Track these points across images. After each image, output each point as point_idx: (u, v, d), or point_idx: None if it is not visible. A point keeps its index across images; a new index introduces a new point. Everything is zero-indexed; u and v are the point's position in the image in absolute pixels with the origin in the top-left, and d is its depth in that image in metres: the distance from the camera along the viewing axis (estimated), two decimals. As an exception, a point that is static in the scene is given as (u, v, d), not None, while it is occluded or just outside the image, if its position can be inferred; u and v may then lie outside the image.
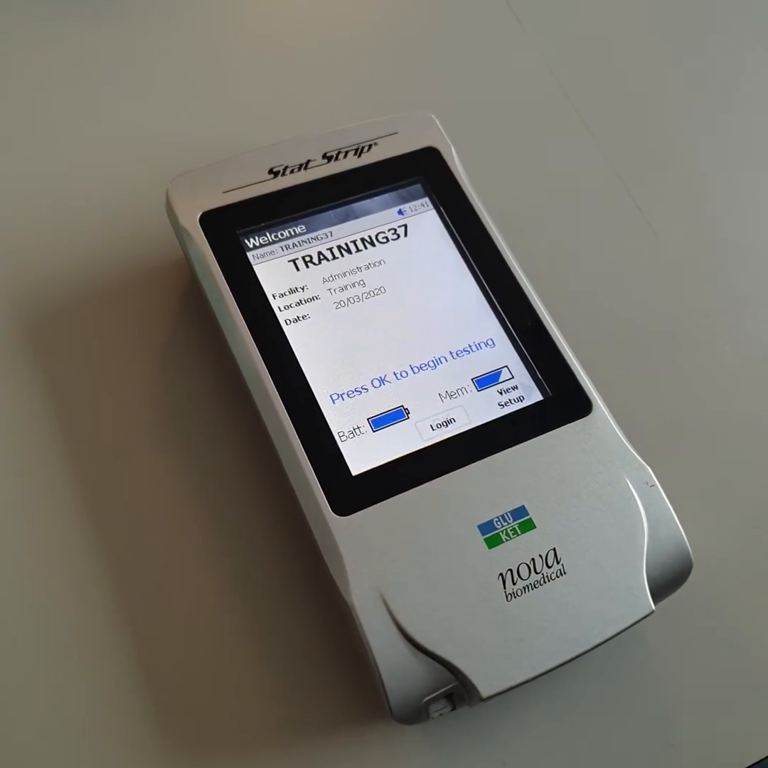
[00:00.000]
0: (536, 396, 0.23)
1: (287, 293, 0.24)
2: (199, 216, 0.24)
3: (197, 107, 0.31)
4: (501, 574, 0.20)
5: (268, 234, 0.24)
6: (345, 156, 0.25)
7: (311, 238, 0.25)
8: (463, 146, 0.26)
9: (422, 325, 0.24)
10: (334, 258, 0.24)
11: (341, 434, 0.22)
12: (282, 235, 0.24)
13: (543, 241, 0.30)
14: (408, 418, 0.22)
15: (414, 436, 0.22)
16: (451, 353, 0.23)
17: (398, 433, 0.22)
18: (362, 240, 0.25)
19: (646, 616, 0.20)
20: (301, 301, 0.24)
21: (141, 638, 0.22)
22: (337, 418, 0.22)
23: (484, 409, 0.22)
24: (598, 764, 0.22)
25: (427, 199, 0.26)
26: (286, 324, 0.23)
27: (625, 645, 0.23)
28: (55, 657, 0.22)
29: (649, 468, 0.22)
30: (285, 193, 0.25)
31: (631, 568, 0.21)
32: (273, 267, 0.24)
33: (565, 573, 0.20)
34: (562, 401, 0.23)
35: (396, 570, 0.20)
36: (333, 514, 0.20)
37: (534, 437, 0.22)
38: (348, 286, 0.24)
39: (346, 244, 0.25)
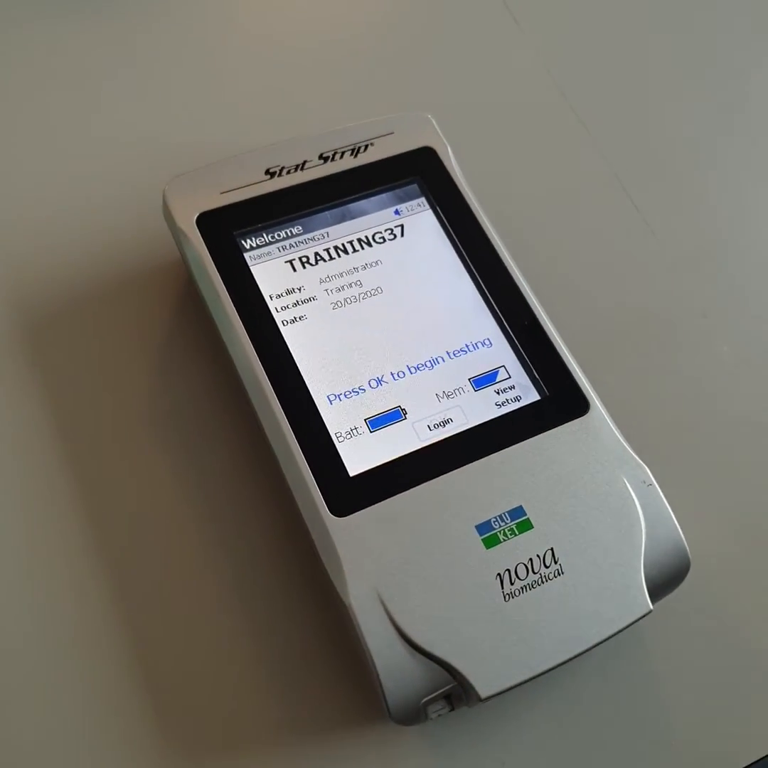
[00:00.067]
0: (533, 396, 0.23)
1: (284, 294, 0.24)
2: (195, 217, 0.24)
3: (196, 107, 0.31)
4: (499, 575, 0.20)
5: (264, 235, 0.24)
6: (341, 156, 0.25)
7: (308, 239, 0.25)
8: (459, 146, 0.26)
9: (419, 326, 0.24)
10: (331, 258, 0.24)
11: (338, 435, 0.22)
12: (279, 235, 0.24)
13: (540, 241, 0.30)
14: (405, 418, 0.22)
15: (411, 436, 0.22)
16: (448, 353, 0.23)
17: (396, 434, 0.22)
18: (359, 240, 0.25)
19: (644, 616, 0.20)
20: (298, 301, 0.24)
21: (140, 638, 0.22)
22: (335, 418, 0.22)
23: (481, 409, 0.22)
24: (598, 764, 0.22)
25: (423, 199, 0.26)
26: (283, 325, 0.23)
27: (623, 644, 0.23)
28: (54, 656, 0.22)
29: (646, 467, 0.22)
30: (282, 193, 0.25)
31: (628, 567, 0.21)
32: (270, 268, 0.24)
33: (562, 573, 0.20)
34: (559, 401, 0.23)
35: (394, 571, 0.20)
36: (330, 514, 0.20)
37: (531, 437, 0.22)
38: (345, 287, 0.24)
39: (343, 245, 0.25)
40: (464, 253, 0.25)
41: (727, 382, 0.28)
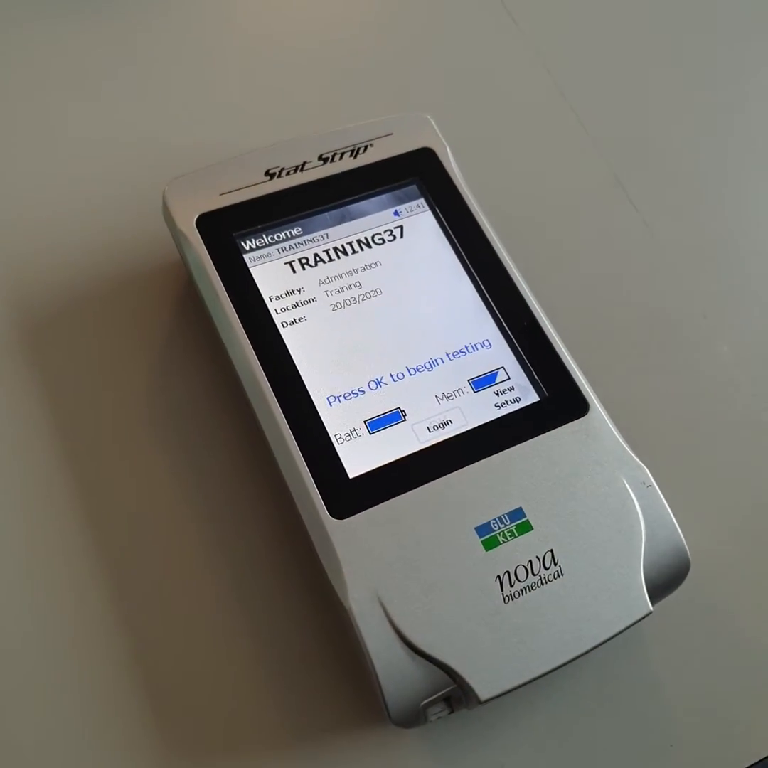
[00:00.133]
0: (533, 397, 0.23)
1: (284, 295, 0.24)
2: (195, 219, 0.24)
3: (195, 108, 0.31)
4: (498, 577, 0.20)
5: (264, 236, 0.24)
6: (341, 157, 0.25)
7: (307, 240, 0.24)
8: (458, 146, 0.26)
9: (418, 327, 0.24)
10: (331, 260, 0.24)
11: (338, 437, 0.22)
12: (278, 237, 0.24)
13: (539, 241, 0.30)
14: (405, 420, 0.22)
15: (411, 438, 0.22)
16: (447, 355, 0.23)
17: (395, 435, 0.22)
18: (358, 242, 0.25)
19: (643, 617, 0.20)
20: (297, 303, 0.24)
21: (139, 638, 0.22)
22: (334, 420, 0.22)
23: (480, 410, 0.22)
24: (598, 766, 0.22)
25: (422, 200, 0.25)
26: (283, 326, 0.23)
27: (623, 646, 0.23)
28: (54, 657, 0.22)
29: (646, 468, 0.22)
30: (281, 195, 0.25)
31: (628, 568, 0.20)
32: (269, 269, 0.24)
33: (562, 575, 0.20)
34: (558, 402, 0.23)
35: (393, 573, 0.20)
36: (330, 517, 0.20)
37: (531, 438, 0.22)
38: (344, 288, 0.24)
39: (343, 246, 0.25)
40: (464, 254, 0.25)
41: (727, 382, 0.28)
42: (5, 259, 0.28)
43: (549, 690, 0.23)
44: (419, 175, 0.26)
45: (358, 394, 0.22)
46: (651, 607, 0.20)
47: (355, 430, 0.22)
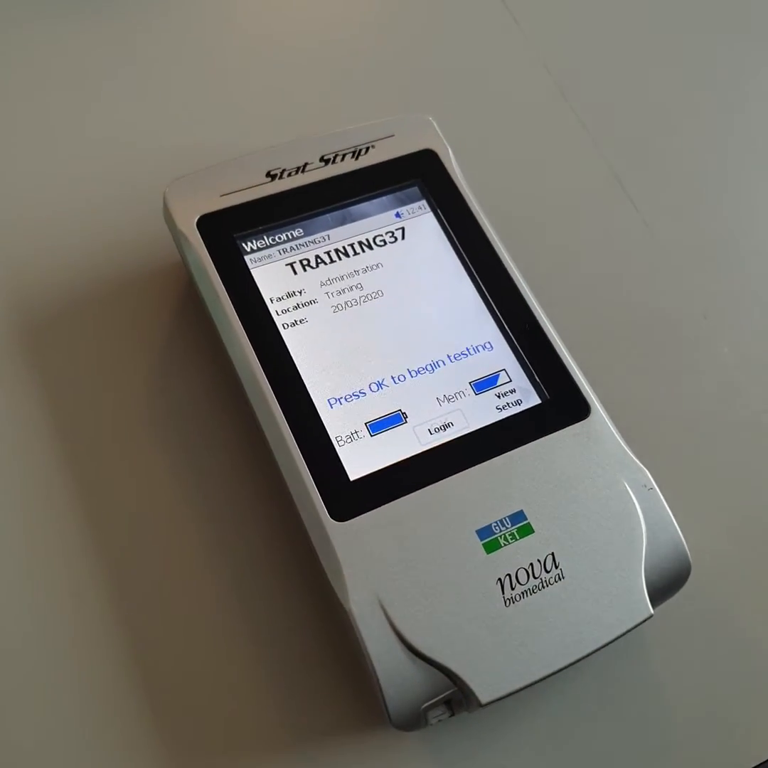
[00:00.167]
0: (534, 399, 0.23)
1: (285, 297, 0.24)
2: (196, 220, 0.24)
3: (196, 109, 0.31)
4: (499, 579, 0.20)
5: (265, 237, 0.24)
6: (342, 159, 0.25)
7: (309, 242, 0.24)
8: (459, 147, 0.26)
9: (420, 329, 0.24)
10: (332, 261, 0.24)
11: (339, 439, 0.22)
12: (279, 238, 0.24)
13: (540, 242, 0.30)
14: (406, 422, 0.22)
15: (412, 440, 0.22)
16: (448, 357, 0.23)
17: (396, 438, 0.22)
18: (360, 243, 0.25)
19: (644, 620, 0.20)
20: (298, 305, 0.24)
21: (138, 638, 0.22)
22: (335, 422, 0.22)
23: (482, 412, 0.22)
24: (598, 768, 0.22)
25: (424, 202, 0.25)
26: (284, 328, 0.23)
27: (624, 649, 0.23)
28: (53, 657, 0.22)
29: (647, 471, 0.22)
30: (282, 196, 0.25)
31: (629, 571, 0.20)
32: (270, 271, 0.24)
33: (563, 578, 0.20)
34: (560, 404, 0.23)
35: (394, 575, 0.20)
36: (331, 519, 0.20)
37: (532, 441, 0.22)
38: (345, 290, 0.24)
39: (344, 248, 0.24)
40: (465, 255, 0.25)
41: (728, 383, 0.28)
42: (5, 260, 0.28)
43: (550, 693, 0.22)
44: (421, 176, 0.26)
45: (359, 396, 0.22)
46: (652, 611, 0.20)
47: (356, 432, 0.22)
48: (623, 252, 0.30)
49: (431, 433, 0.22)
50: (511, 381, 0.23)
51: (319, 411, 0.22)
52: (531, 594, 0.20)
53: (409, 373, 0.23)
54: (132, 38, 0.32)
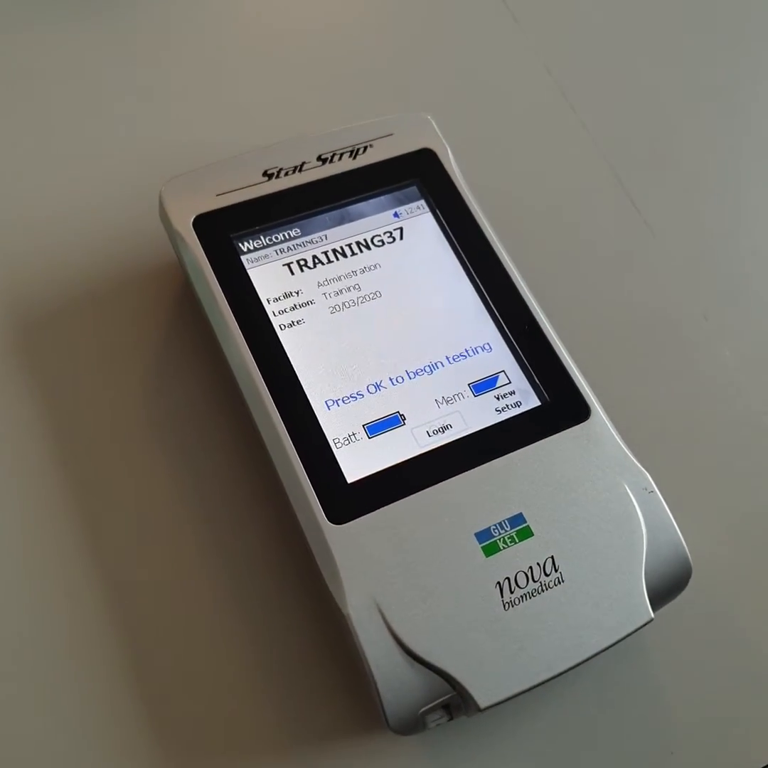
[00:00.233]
0: (534, 401, 0.23)
1: (282, 298, 0.23)
2: (192, 219, 0.24)
3: (192, 107, 0.31)
4: (498, 583, 0.20)
5: (262, 237, 0.24)
6: (340, 158, 0.25)
7: (306, 242, 0.24)
8: (458, 146, 0.26)
9: (418, 330, 0.23)
10: (329, 262, 0.24)
11: (336, 441, 0.22)
12: (276, 238, 0.24)
13: (540, 243, 0.29)
14: (404, 424, 0.22)
15: (410, 442, 0.22)
16: (447, 358, 0.23)
17: (394, 440, 0.22)
18: (357, 243, 0.24)
19: (645, 624, 0.20)
20: (295, 305, 0.23)
21: (135, 640, 0.22)
22: (332, 424, 0.22)
23: (481, 414, 0.22)
24: (597, 773, 0.22)
25: (423, 202, 0.25)
26: (281, 329, 0.23)
27: (624, 653, 0.23)
28: (50, 658, 0.22)
29: (647, 473, 0.22)
30: (279, 195, 0.24)
31: (630, 575, 0.20)
32: (267, 271, 0.24)
33: (563, 581, 0.20)
34: (559, 406, 0.22)
35: (392, 579, 0.20)
36: (328, 522, 0.20)
37: (531, 443, 0.22)
38: (343, 291, 0.24)
39: (342, 248, 0.24)
40: (464, 256, 0.24)
41: (729, 385, 0.28)
42: (1, 258, 0.27)
43: (549, 697, 0.22)
44: (420, 176, 0.25)
45: (356, 398, 0.22)
46: (652, 615, 0.20)
47: (353, 434, 0.22)
48: (623, 252, 0.30)
49: (430, 435, 0.22)
50: (510, 383, 0.23)
51: (316, 412, 0.22)
52: (530, 597, 0.20)
53: (408, 374, 0.23)
54: (130, 38, 0.32)
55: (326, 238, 0.24)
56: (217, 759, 0.21)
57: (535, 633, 0.20)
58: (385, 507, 0.21)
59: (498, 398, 0.23)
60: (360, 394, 0.22)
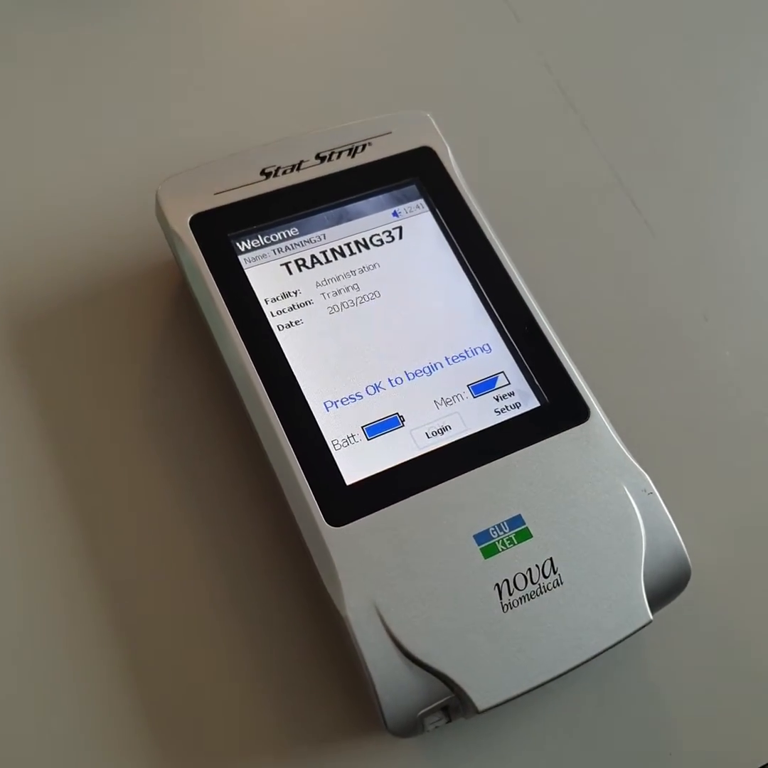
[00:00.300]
0: (533, 402, 0.23)
1: (280, 298, 0.23)
2: (189, 219, 0.24)
3: (190, 105, 0.31)
4: (497, 585, 0.20)
5: (260, 237, 0.24)
6: (338, 156, 0.25)
7: (304, 241, 0.24)
8: (458, 145, 0.26)
9: (417, 330, 0.23)
10: (328, 261, 0.24)
11: (335, 442, 0.21)
12: (274, 237, 0.24)
13: (540, 243, 0.29)
14: (403, 425, 0.22)
15: (409, 444, 0.22)
16: (446, 359, 0.23)
17: (393, 441, 0.22)
18: (356, 243, 0.24)
19: (644, 626, 0.20)
20: (293, 305, 0.23)
21: (133, 641, 0.22)
22: (331, 426, 0.22)
23: (480, 416, 0.22)
24: (596, 774, 0.22)
25: (422, 201, 0.25)
26: (279, 329, 0.23)
27: (623, 655, 0.23)
28: (48, 660, 0.22)
29: (647, 475, 0.22)
30: (277, 194, 0.24)
31: (628, 577, 0.20)
32: (265, 271, 0.24)
33: (562, 583, 0.20)
34: (559, 408, 0.22)
35: (391, 581, 0.20)
36: (327, 524, 0.20)
37: (531, 445, 0.22)
38: (342, 291, 0.24)
39: (340, 247, 0.24)
40: (464, 256, 0.24)
41: (730, 387, 0.28)
42: (-4, 258, 0.27)
43: (548, 699, 0.22)
44: (419, 174, 0.25)
45: (355, 399, 0.22)
46: (651, 617, 0.20)
47: (352, 435, 0.22)
48: (623, 252, 0.30)
49: (429, 437, 0.22)
50: (509, 384, 0.23)
51: (314, 414, 0.22)
52: (529, 599, 0.20)
53: (407, 375, 0.23)
54: (127, 37, 0.32)
55: (325, 238, 0.24)
56: (215, 760, 0.21)
57: (533, 635, 0.19)
58: (384, 509, 0.20)
59: (497, 399, 0.22)
60: (359, 396, 0.22)
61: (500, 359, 0.23)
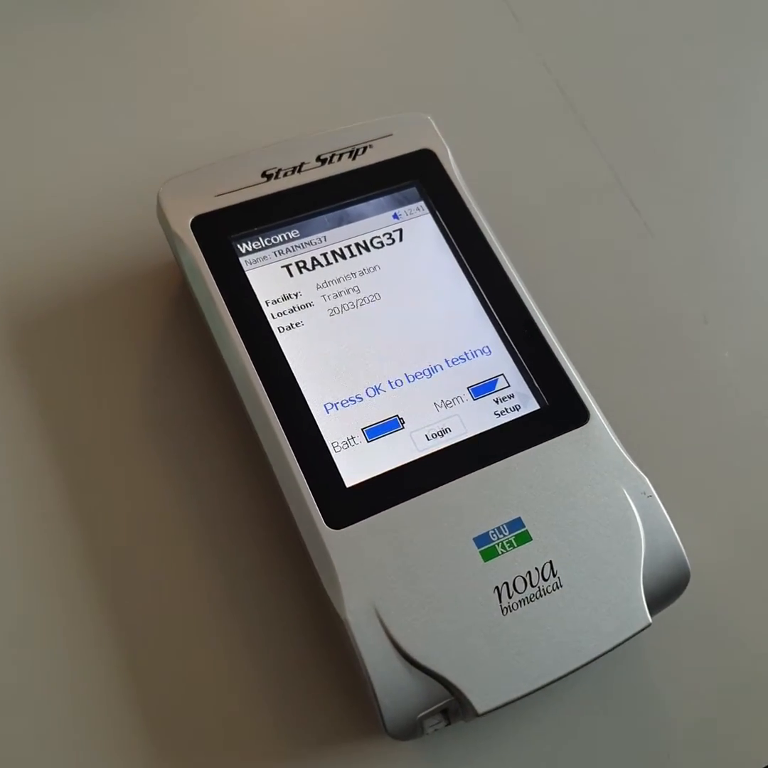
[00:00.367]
0: (533, 405, 0.23)
1: (280, 300, 0.23)
2: (190, 220, 0.24)
3: (191, 107, 0.31)
4: (497, 588, 0.20)
5: (260, 239, 0.24)
6: (339, 158, 0.25)
7: (305, 243, 0.24)
8: (458, 146, 0.26)
9: (417, 333, 0.23)
10: (328, 263, 0.24)
11: (335, 445, 0.21)
12: (275, 239, 0.24)
13: (540, 244, 0.29)
14: (403, 427, 0.22)
15: (409, 446, 0.22)
16: (446, 361, 0.23)
17: (393, 444, 0.22)
18: (357, 245, 0.24)
19: (643, 629, 0.20)
20: (294, 307, 0.23)
21: (131, 642, 0.22)
22: (331, 428, 0.22)
23: (480, 418, 0.22)
24: (594, 776, 0.22)
25: (422, 203, 0.25)
26: (279, 331, 0.23)
27: (622, 658, 0.23)
28: (46, 660, 0.22)
29: (646, 478, 0.22)
30: (278, 196, 0.24)
31: (628, 580, 0.20)
32: (266, 273, 0.24)
33: (561, 586, 0.20)
34: (558, 410, 0.22)
35: (390, 584, 0.20)
36: (326, 527, 0.20)
37: (530, 447, 0.22)
38: (342, 293, 0.24)
39: (341, 249, 0.24)
40: (464, 258, 0.24)
41: (729, 389, 0.28)
42: (-3, 258, 0.27)
43: (547, 702, 0.22)
44: (419, 177, 0.25)
45: (355, 401, 0.22)
46: (650, 620, 0.20)
47: (352, 437, 0.22)
48: (623, 253, 0.30)
49: (428, 439, 0.22)
50: (509, 386, 0.23)
51: (315, 416, 0.22)
52: (528, 602, 0.20)
53: (407, 377, 0.23)
54: (128, 38, 0.32)
55: (325, 240, 0.24)
56: (214, 761, 0.21)
57: (533, 638, 0.20)
58: (384, 511, 0.20)
59: (497, 402, 0.22)
60: (359, 398, 0.22)
61: (500, 361, 0.23)
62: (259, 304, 0.23)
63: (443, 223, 0.25)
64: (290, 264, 0.24)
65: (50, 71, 0.31)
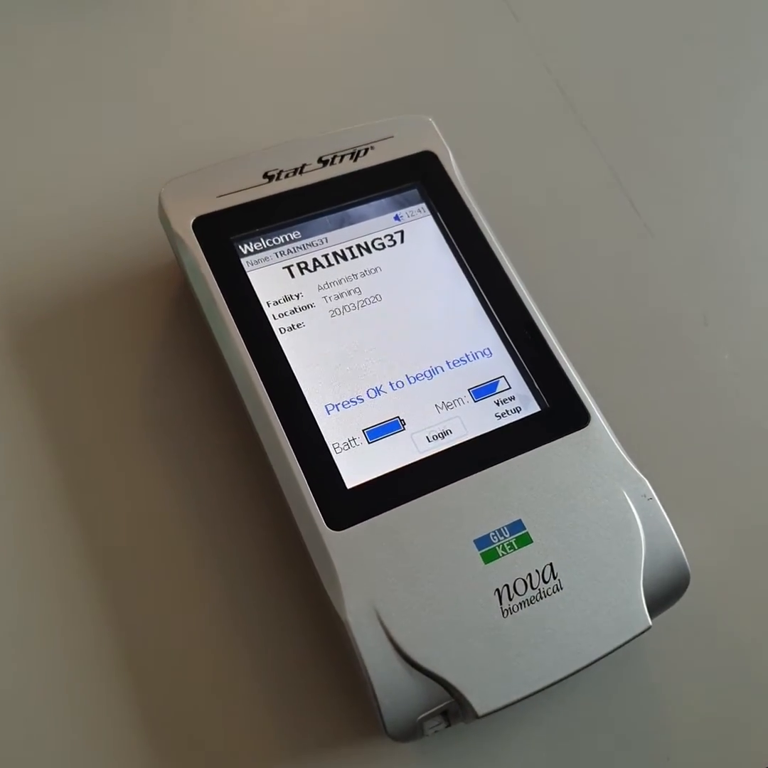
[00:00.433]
0: (533, 407, 0.23)
1: (282, 301, 0.23)
2: (192, 221, 0.23)
3: (192, 108, 0.31)
4: (497, 590, 0.20)
5: (262, 240, 0.24)
6: (341, 160, 0.25)
7: (306, 244, 0.24)
8: (459, 148, 0.26)
9: (419, 334, 0.23)
10: (330, 265, 0.24)
11: (336, 446, 0.21)
12: (276, 240, 0.24)
13: (541, 245, 0.29)
14: (404, 429, 0.22)
15: (410, 448, 0.22)
16: (447, 363, 0.23)
17: (394, 445, 0.22)
18: (358, 246, 0.24)
19: (643, 632, 0.20)
20: (295, 308, 0.23)
21: (130, 643, 0.22)
22: (332, 429, 0.22)
23: (480, 420, 0.22)
24: (594, 778, 0.22)
25: (424, 205, 0.25)
26: (281, 332, 0.23)
27: (622, 660, 0.23)
28: (43, 662, 0.22)
29: (646, 481, 0.22)
30: (280, 197, 0.24)
31: (628, 582, 0.20)
32: (267, 274, 0.24)
33: (561, 588, 0.20)
34: (559, 413, 0.22)
35: (391, 586, 0.20)
36: (327, 528, 0.20)
37: (531, 449, 0.22)
38: (343, 294, 0.24)
39: (342, 251, 0.24)
40: (465, 260, 0.24)
41: (729, 391, 0.28)
42: (-2, 258, 0.27)
43: (547, 704, 0.22)
44: (421, 178, 0.25)
45: (356, 403, 0.22)
46: (650, 622, 0.20)
47: (353, 439, 0.22)
48: (623, 254, 0.30)
49: (429, 441, 0.22)
50: (510, 388, 0.23)
51: (316, 417, 0.22)
52: (529, 605, 0.20)
53: (408, 379, 0.23)
54: (128, 37, 0.32)
55: (327, 241, 0.24)
56: (214, 762, 0.21)
57: (533, 640, 0.20)
58: (385, 513, 0.20)
59: (498, 404, 0.23)
60: (360, 399, 0.22)
61: (501, 363, 0.23)
62: (260, 305, 0.23)
63: (444, 225, 0.25)
64: (292, 265, 0.24)
65: (50, 71, 0.31)
